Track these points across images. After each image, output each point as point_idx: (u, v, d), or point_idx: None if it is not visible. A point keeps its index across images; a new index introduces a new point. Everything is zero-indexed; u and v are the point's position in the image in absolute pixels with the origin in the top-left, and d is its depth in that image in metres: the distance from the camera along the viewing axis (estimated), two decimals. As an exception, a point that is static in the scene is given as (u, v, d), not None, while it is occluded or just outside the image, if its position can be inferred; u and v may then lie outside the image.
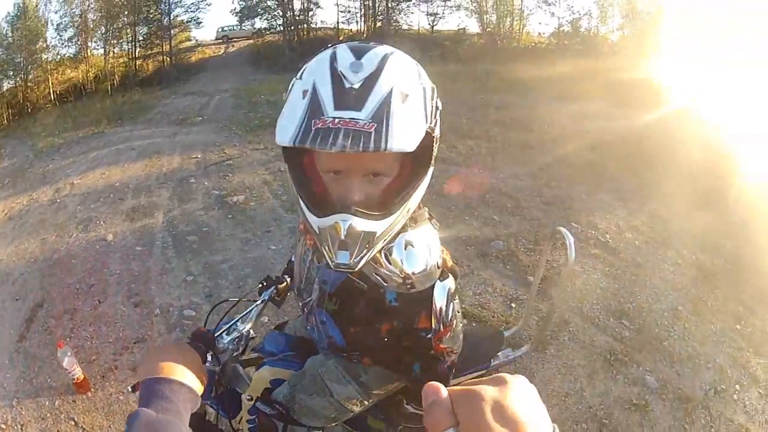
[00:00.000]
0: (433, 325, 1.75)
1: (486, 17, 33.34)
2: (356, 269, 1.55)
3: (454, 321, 1.83)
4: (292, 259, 2.46)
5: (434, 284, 1.73)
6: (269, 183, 9.03)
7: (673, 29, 24.02)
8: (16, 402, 4.35)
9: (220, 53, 35.29)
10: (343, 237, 1.44)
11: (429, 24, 35.46)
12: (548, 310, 2.71)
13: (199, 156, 11.02)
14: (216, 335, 2.02)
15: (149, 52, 31.79)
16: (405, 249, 1.67)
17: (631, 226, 7.52)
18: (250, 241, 6.91)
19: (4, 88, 24.94)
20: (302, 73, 1.44)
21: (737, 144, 10.35)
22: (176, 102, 19.35)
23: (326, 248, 1.52)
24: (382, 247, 1.61)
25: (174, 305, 5.57)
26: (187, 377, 1.44)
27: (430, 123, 1.42)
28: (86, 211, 8.24)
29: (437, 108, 1.51)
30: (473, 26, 34.51)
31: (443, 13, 35.12)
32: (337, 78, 1.34)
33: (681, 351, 5.14)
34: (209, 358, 1.88)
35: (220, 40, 37.49)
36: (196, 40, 35.96)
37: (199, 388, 1.49)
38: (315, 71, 1.39)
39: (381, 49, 1.43)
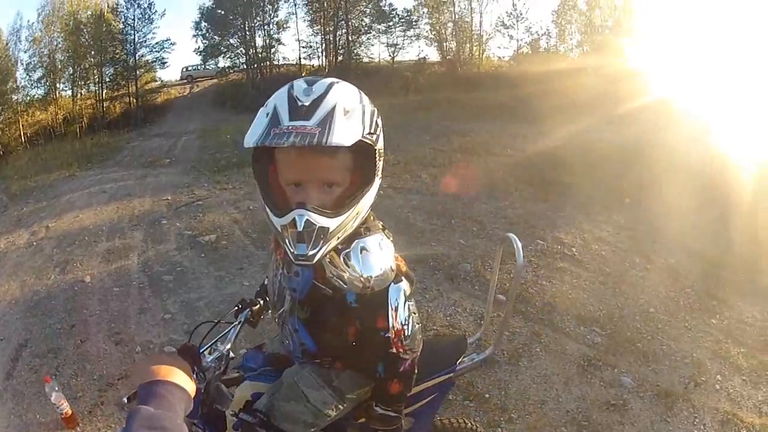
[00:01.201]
0: (390, 324, 1.91)
1: (446, 45, 33.75)
2: (314, 261, 1.72)
3: (410, 321, 1.97)
4: (265, 281, 2.62)
5: (389, 286, 1.88)
6: (239, 222, 9.07)
7: (633, 38, 24.38)
8: None
9: (185, 94, 35.42)
10: (300, 229, 1.65)
11: (389, 55, 35.78)
12: (504, 312, 2.76)
13: (169, 197, 11.04)
14: (201, 353, 2.09)
15: (116, 93, 32.04)
16: (360, 253, 1.82)
17: (596, 238, 7.62)
18: (224, 278, 6.92)
19: None
20: (267, 103, 1.70)
21: (698, 147, 10.50)
22: (144, 144, 19.44)
23: (288, 243, 1.71)
24: (337, 249, 1.79)
25: (154, 342, 5.58)
26: (180, 380, 1.49)
27: (369, 131, 1.67)
28: (63, 253, 8.22)
29: (378, 125, 1.77)
30: (433, 55, 34.88)
31: (403, 44, 35.69)
32: (292, 100, 1.63)
33: (656, 350, 5.18)
34: (195, 375, 1.93)
35: (185, 80, 37.73)
36: (162, 81, 36.33)
37: (191, 390, 1.55)
38: (276, 98, 1.68)
39: (329, 79, 1.72)
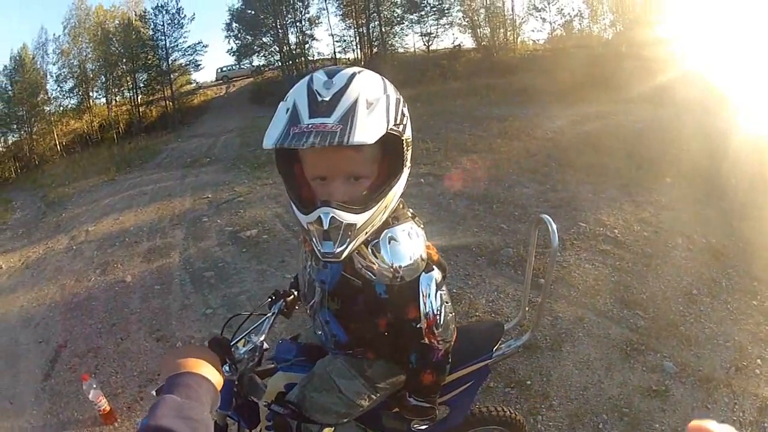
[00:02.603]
0: (421, 315, 1.90)
1: (480, 31, 33.47)
2: (341, 258, 1.71)
3: (442, 310, 1.95)
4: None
5: (419, 276, 1.87)
6: (280, 215, 9.10)
7: (665, 13, 24.02)
8: None
9: (221, 94, 35.47)
10: (326, 228, 1.64)
11: (424, 44, 35.58)
12: (541, 296, 2.75)
13: (209, 195, 11.15)
14: (231, 345, 2.10)
15: (151, 98, 32.04)
16: (389, 243, 1.81)
17: (638, 219, 7.53)
18: (266, 272, 6.97)
19: (9, 142, 25.16)
20: (286, 96, 1.66)
21: (737, 124, 10.35)
22: (183, 145, 19.55)
23: (314, 241, 1.72)
24: (365, 240, 1.77)
25: (195, 337, 5.66)
26: (207, 372, 1.49)
27: (395, 123, 1.63)
28: (103, 255, 8.37)
29: (404, 115, 1.72)
30: (468, 42, 34.60)
31: (437, 32, 35.34)
32: (312, 95, 1.58)
33: (698, 334, 5.11)
34: (227, 366, 2.00)
35: (221, 81, 37.77)
36: (197, 83, 36.31)
37: (218, 382, 1.53)
38: (295, 92, 1.64)
39: (350, 69, 1.67)
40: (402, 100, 1.74)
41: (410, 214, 1.99)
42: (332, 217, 1.63)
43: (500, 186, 9.31)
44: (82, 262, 8.24)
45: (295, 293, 2.58)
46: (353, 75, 1.63)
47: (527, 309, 3.11)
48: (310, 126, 1.51)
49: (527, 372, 4.59)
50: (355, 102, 1.54)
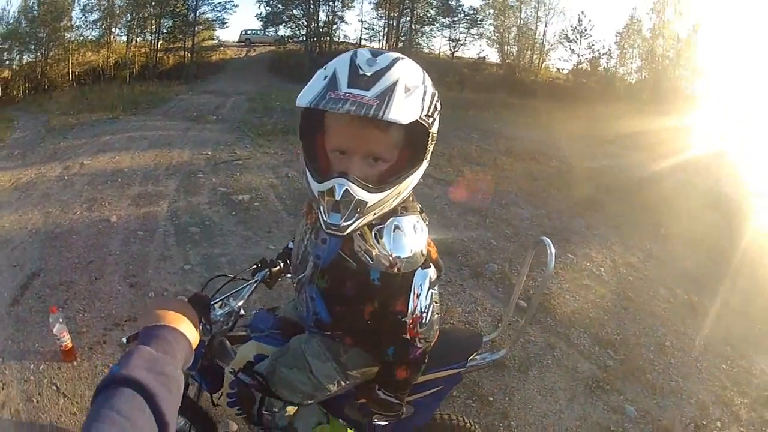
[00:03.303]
0: (409, 309, 1.88)
1: (507, 48, 33.50)
2: (345, 233, 1.73)
3: (430, 309, 1.96)
4: (289, 245, 2.67)
5: (416, 270, 1.86)
6: (275, 186, 9.10)
7: (693, 73, 24.11)
8: (0, 361, 4.40)
9: (241, 56, 35.36)
10: (337, 198, 1.64)
11: (450, 49, 35.58)
12: (525, 317, 2.75)
13: (209, 153, 11.12)
14: (210, 306, 2.13)
15: (171, 45, 31.84)
16: (393, 232, 1.81)
17: (626, 262, 7.56)
18: (251, 239, 6.97)
19: (24, 62, 25.01)
20: (327, 65, 1.67)
21: (743, 197, 10.42)
22: (193, 98, 19.46)
23: (322, 210, 1.72)
24: (370, 223, 1.79)
25: (169, 290, 5.61)
26: (185, 329, 1.48)
27: (427, 113, 1.64)
28: (93, 191, 8.34)
29: (437, 109, 1.72)
30: (493, 56, 34.65)
31: (465, 40, 35.28)
32: (354, 68, 1.60)
33: (664, 385, 5.12)
34: (201, 327, 1.92)
35: (243, 43, 37.58)
36: (219, 40, 36.05)
37: (195, 341, 1.53)
38: (337, 62, 1.64)
39: (394, 54, 1.69)
40: (437, 95, 1.74)
41: (419, 209, 2.00)
42: (346, 189, 1.63)
43: (497, 202, 9.34)
44: (70, 194, 8.22)
45: (282, 265, 2.61)
46: (397, 59, 1.65)
47: (508, 326, 3.11)
48: (347, 94, 1.51)
49: (491, 388, 4.58)
50: (395, 83, 1.56)
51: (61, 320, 4.29)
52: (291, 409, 2.56)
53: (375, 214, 1.75)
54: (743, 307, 6.82)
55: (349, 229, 1.72)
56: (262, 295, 5.12)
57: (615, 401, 4.75)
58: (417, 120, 1.59)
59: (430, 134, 1.71)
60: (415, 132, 1.68)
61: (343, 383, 2.29)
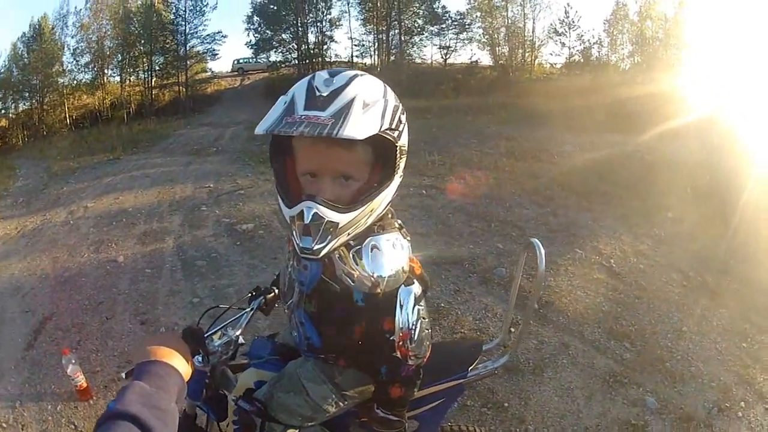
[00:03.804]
0: (396, 327, 1.86)
1: (498, 49, 33.49)
2: (319, 256, 1.70)
3: (418, 325, 1.91)
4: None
5: (399, 288, 1.84)
6: (278, 213, 8.87)
7: (684, 50, 24.06)
8: (18, 404, 4.46)
9: (235, 85, 35.52)
10: (306, 222, 1.62)
11: (442, 57, 35.61)
12: (524, 319, 2.72)
13: (211, 185, 11.13)
14: (206, 336, 2.10)
15: (165, 82, 31.95)
16: (371, 251, 1.78)
17: (636, 251, 7.49)
18: (257, 267, 6.95)
19: (20, 110, 25.19)
20: (288, 90, 1.70)
21: (743, 165, 10.31)
22: (191, 132, 19.52)
23: (295, 235, 1.71)
24: (348, 245, 1.77)
25: (179, 324, 5.60)
26: (176, 363, 1.52)
27: (390, 126, 1.62)
28: (99, 233, 8.36)
29: (401, 122, 1.71)
30: (485, 59, 34.65)
31: (455, 47, 35.30)
32: (311, 90, 1.61)
33: (684, 371, 5.06)
34: (200, 357, 2.00)
35: (236, 72, 37.78)
36: (212, 72, 36.23)
37: (186, 374, 1.57)
38: (296, 87, 1.68)
39: (352, 72, 1.69)
40: (401, 108, 1.73)
41: (397, 225, 1.99)
42: (315, 212, 1.62)
43: (501, 205, 9.28)
44: (77, 238, 8.25)
45: (276, 291, 2.56)
46: (354, 76, 1.65)
47: (511, 331, 3.08)
48: (303, 117, 1.52)
49: (506, 394, 4.53)
50: (352, 100, 1.55)
51: (74, 361, 4.35)
52: None
53: (349, 234, 1.73)
54: (759, 282, 6.73)
55: (323, 252, 1.69)
56: (271, 322, 5.10)
57: (634, 394, 4.69)
58: (379, 134, 1.59)
59: (398, 148, 1.70)
60: (383, 147, 1.68)
61: (341, 404, 2.27)
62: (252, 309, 2.46)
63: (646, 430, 4.32)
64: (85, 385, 4.45)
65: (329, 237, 1.67)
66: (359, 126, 1.50)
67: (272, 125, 1.54)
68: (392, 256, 1.82)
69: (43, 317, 5.82)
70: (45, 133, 24.31)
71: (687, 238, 7.94)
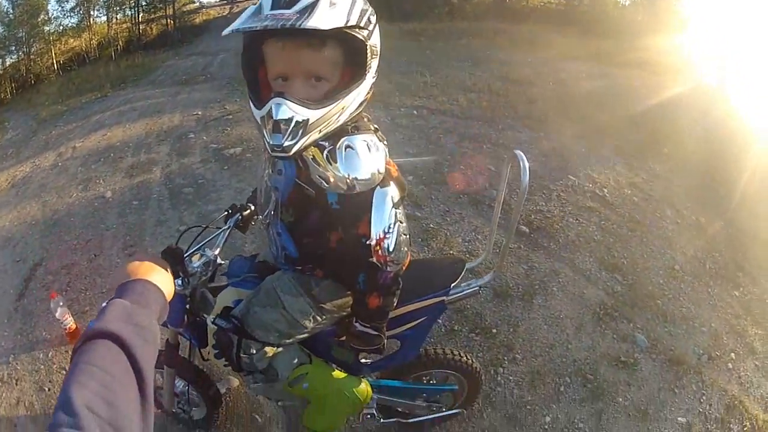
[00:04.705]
0: (372, 231, 1.88)
1: (495, -27, 33.08)
2: (291, 153, 1.74)
3: (395, 229, 1.92)
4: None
5: (374, 189, 1.86)
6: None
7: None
8: (12, 358, 4.38)
9: (224, 14, 35.26)
10: (275, 117, 1.66)
11: (436, -21, 35.21)
12: (506, 237, 2.57)
13: (199, 112, 10.92)
14: (185, 258, 2.08)
15: (153, 16, 31.59)
16: (345, 151, 1.80)
17: (630, 183, 7.36)
18: (244, 190, 6.84)
19: (7, 64, 24.83)
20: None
21: (745, 106, 10.19)
22: (179, 63, 19.29)
23: (265, 134, 1.74)
24: (318, 140, 1.79)
25: (166, 254, 5.45)
26: (157, 279, 1.47)
27: (357, 24, 1.66)
28: (87, 171, 8.19)
29: (371, 22, 1.75)
30: (482, -17, 34.30)
31: (452, -32, 34.89)
32: None
33: (675, 311, 5.01)
34: (180, 280, 2.02)
35: (224, 1, 37.46)
36: (200, 2, 35.95)
37: (169, 292, 1.52)
38: None
39: None
40: (371, 11, 1.77)
41: (373, 128, 1.98)
42: (283, 107, 1.65)
43: (493, 127, 9.10)
44: (65, 179, 8.08)
45: (252, 207, 2.66)
46: None
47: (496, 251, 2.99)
48: (269, 15, 1.57)
49: (494, 319, 4.46)
50: (318, 1, 1.58)
51: (61, 304, 4.30)
52: (270, 351, 2.51)
53: (320, 131, 1.76)
54: (754, 231, 6.71)
55: (294, 149, 1.73)
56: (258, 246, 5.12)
57: (624, 329, 4.64)
58: (348, 33, 1.64)
59: (368, 47, 1.73)
60: (353, 47, 1.71)
61: (318, 318, 2.30)
62: (229, 227, 2.50)
63: (635, 368, 4.29)
64: (74, 327, 4.40)
65: (300, 133, 1.70)
66: (324, 18, 1.53)
67: (238, 25, 1.60)
68: (366, 157, 1.83)
69: (34, 264, 5.73)
70: (33, 82, 23.91)
71: (682, 176, 7.82)
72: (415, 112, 9.65)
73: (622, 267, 5.46)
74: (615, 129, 9.29)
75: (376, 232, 1.86)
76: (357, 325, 2.19)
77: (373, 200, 1.84)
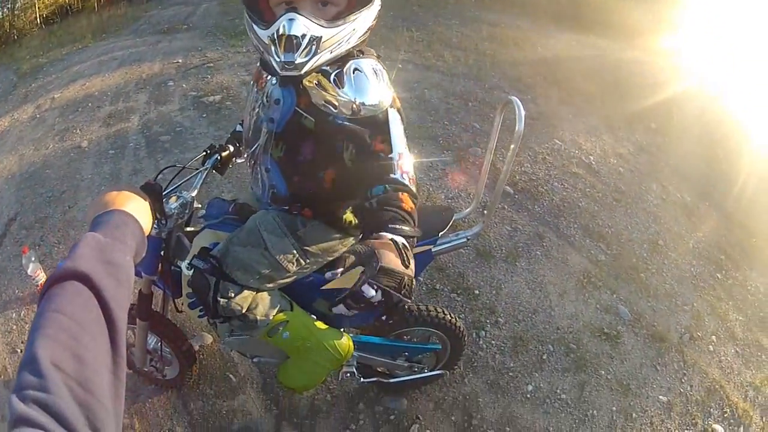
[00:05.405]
0: (393, 148, 1.75)
1: (487, -70, 32.73)
2: (302, 71, 1.68)
3: (406, 153, 1.79)
4: (237, 128, 2.74)
5: (388, 109, 1.78)
6: (247, 83, 8.71)
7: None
8: None
9: (210, -37, 34.85)
10: (289, 33, 1.60)
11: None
12: (497, 186, 2.44)
13: (180, 60, 10.75)
14: (163, 196, 1.99)
15: (137, -35, 31.00)
16: (353, 74, 1.76)
17: (616, 153, 7.28)
18: (223, 138, 6.50)
19: None
20: None
21: (738, 84, 10.17)
22: (163, 12, 19.07)
23: (274, 53, 1.67)
24: (328, 62, 1.74)
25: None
26: (135, 210, 1.38)
27: None
28: (64, 122, 8.02)
29: None
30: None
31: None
32: None
33: (658, 286, 4.97)
34: (156, 223, 1.98)
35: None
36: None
37: (147, 224, 1.44)
38: None
39: None
40: None
41: (376, 55, 1.96)
42: (297, 23, 1.59)
43: (479, 86, 8.97)
44: (43, 130, 7.91)
45: (231, 148, 2.61)
46: None
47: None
48: None
49: (476, 280, 4.37)
50: None
51: (33, 259, 4.19)
52: (249, 295, 2.24)
53: (331, 52, 1.70)
54: (739, 216, 6.67)
55: (306, 67, 1.67)
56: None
57: (608, 300, 4.59)
58: None
59: None
60: None
61: (302, 261, 2.18)
62: (206, 168, 2.46)
63: (618, 341, 4.24)
64: (45, 282, 4.17)
65: (313, 50, 1.65)
66: None
67: None
68: (374, 81, 1.79)
69: (8, 219, 5.58)
70: (16, 37, 23.51)
71: (668, 152, 7.76)
72: (400, 66, 9.53)
73: (606, 236, 5.41)
74: (602, 99, 9.20)
75: (396, 150, 1.73)
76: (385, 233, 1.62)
77: (389, 117, 1.75)
